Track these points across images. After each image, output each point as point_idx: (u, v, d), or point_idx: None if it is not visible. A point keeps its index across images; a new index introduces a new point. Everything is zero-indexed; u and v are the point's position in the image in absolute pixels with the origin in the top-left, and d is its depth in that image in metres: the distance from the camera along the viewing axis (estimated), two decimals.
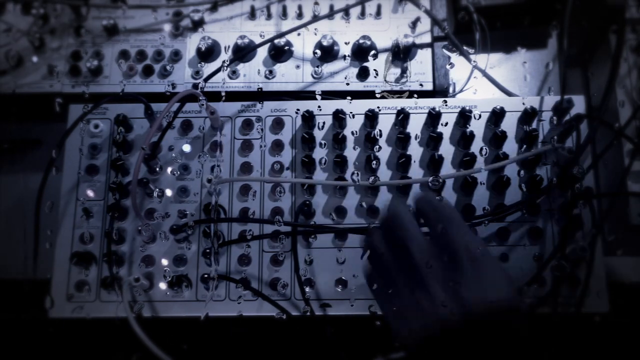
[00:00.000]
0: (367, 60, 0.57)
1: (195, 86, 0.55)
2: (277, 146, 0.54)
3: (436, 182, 0.47)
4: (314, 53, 0.57)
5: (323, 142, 0.53)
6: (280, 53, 0.57)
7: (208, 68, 0.57)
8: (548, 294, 0.49)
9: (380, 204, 0.52)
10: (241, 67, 0.57)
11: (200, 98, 0.51)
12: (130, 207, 0.52)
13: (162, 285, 0.51)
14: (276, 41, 0.56)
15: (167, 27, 0.59)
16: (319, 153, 0.53)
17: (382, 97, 0.55)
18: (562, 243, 0.50)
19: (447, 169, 0.52)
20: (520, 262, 0.50)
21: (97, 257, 0.52)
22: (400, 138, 0.52)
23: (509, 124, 0.53)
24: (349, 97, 0.54)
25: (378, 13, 0.59)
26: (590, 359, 0.49)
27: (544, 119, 0.53)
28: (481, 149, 0.51)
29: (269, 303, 0.49)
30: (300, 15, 0.59)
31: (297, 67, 0.57)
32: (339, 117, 0.53)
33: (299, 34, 0.58)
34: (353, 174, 0.49)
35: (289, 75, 0.57)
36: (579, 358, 0.48)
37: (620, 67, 0.54)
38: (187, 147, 0.54)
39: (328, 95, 0.55)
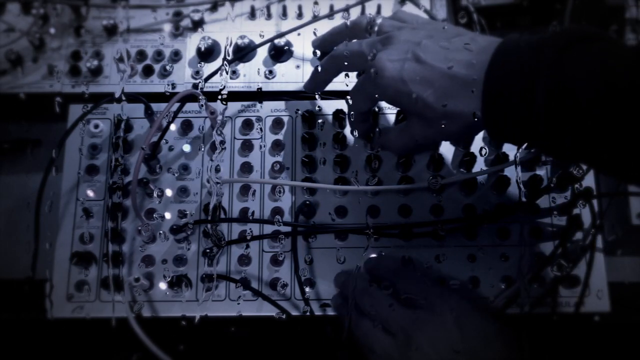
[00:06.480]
0: None
1: (195, 86, 0.55)
2: (277, 146, 0.54)
3: (435, 182, 0.47)
4: (314, 53, 0.57)
5: (323, 142, 0.53)
6: (280, 53, 0.57)
7: (208, 68, 0.57)
8: (547, 293, 0.49)
9: (380, 203, 0.52)
10: (241, 67, 0.57)
11: (200, 98, 0.50)
12: (130, 207, 0.52)
13: (162, 285, 0.51)
14: (276, 41, 0.56)
15: (167, 27, 0.59)
16: (319, 153, 0.53)
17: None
18: (562, 243, 0.50)
19: (447, 168, 0.52)
20: (520, 262, 0.50)
21: (97, 257, 0.52)
22: None
23: None
24: (349, 97, 0.54)
25: (378, 13, 0.59)
26: (590, 359, 0.49)
27: None
28: (481, 148, 0.51)
29: (269, 303, 0.49)
30: (300, 15, 0.59)
31: (297, 67, 0.57)
32: (339, 117, 0.53)
33: (299, 34, 0.58)
34: (354, 172, 0.49)
35: (289, 75, 0.57)
36: (579, 358, 0.48)
37: None
38: (187, 147, 0.54)
39: (328, 95, 0.55)
